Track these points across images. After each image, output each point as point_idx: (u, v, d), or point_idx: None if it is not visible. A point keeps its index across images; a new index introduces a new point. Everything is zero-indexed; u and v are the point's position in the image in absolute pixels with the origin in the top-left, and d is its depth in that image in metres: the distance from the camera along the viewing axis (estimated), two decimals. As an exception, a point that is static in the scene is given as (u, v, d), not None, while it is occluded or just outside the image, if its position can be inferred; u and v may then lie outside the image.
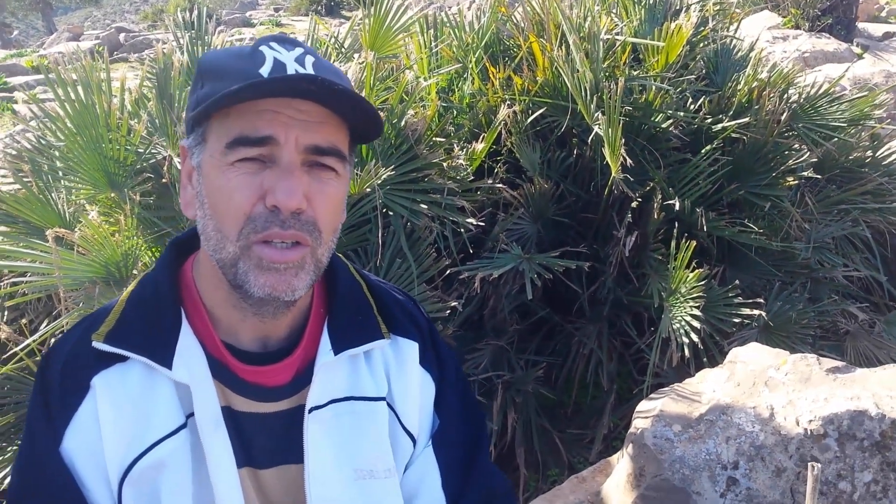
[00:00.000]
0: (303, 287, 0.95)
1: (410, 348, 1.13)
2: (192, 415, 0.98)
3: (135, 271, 2.49)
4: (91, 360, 0.98)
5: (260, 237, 0.91)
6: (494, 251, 2.63)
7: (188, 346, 0.99)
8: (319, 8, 26.85)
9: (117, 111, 2.54)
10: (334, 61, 3.18)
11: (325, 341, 1.05)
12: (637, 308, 2.89)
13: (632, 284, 2.86)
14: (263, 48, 0.93)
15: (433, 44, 2.99)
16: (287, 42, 0.95)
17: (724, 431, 1.81)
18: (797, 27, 8.30)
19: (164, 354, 0.97)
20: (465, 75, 3.08)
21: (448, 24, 3.19)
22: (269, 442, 1.02)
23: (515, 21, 3.25)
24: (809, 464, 1.29)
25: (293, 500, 1.02)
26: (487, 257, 2.58)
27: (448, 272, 2.44)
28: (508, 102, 2.79)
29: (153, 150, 2.63)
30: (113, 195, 2.51)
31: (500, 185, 2.59)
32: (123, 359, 0.98)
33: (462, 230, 2.45)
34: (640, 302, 2.82)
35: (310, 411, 1.01)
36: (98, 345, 0.98)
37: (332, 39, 3.32)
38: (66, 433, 0.96)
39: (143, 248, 2.56)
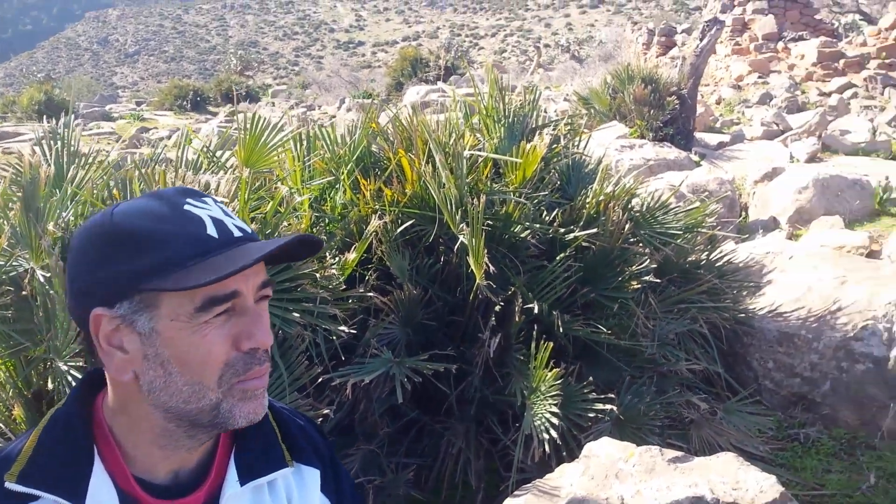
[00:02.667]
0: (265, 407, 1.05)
1: (312, 476, 1.19)
2: None
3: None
4: (4, 500, 0.99)
5: (242, 378, 0.99)
6: (366, 356, 2.73)
7: (100, 483, 1.01)
8: (185, 103, 26.67)
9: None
10: (205, 171, 3.27)
11: (232, 472, 1.09)
12: (502, 406, 3.04)
13: (497, 384, 3.02)
14: (188, 208, 0.98)
15: (306, 157, 3.14)
16: (195, 195, 1.01)
17: (579, 523, 1.95)
18: (643, 137, 9.09)
19: (75, 492, 0.99)
20: (336, 186, 3.24)
21: (320, 138, 3.36)
22: None
23: (385, 135, 3.47)
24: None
25: None
26: (359, 363, 2.68)
27: (321, 379, 2.52)
28: (379, 213, 2.96)
29: (14, 263, 2.59)
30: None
31: (370, 294, 2.72)
32: (35, 497, 0.99)
33: (334, 337, 2.55)
34: (504, 400, 2.97)
35: None
36: (10, 485, 0.98)
37: (205, 149, 3.41)
38: None
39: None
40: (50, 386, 2.68)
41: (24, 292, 2.64)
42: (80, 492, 1.00)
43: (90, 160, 3.14)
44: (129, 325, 0.98)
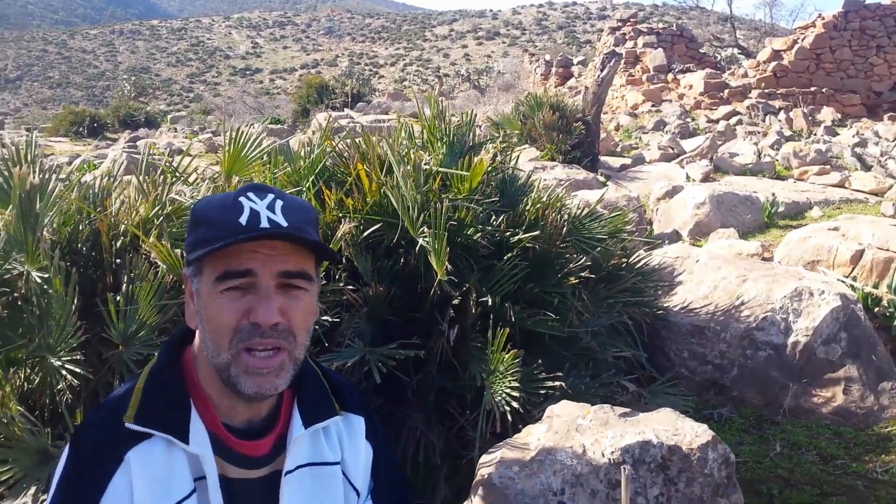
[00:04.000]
0: (284, 383, 1.25)
1: (359, 423, 1.46)
2: (197, 479, 1.24)
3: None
4: (123, 438, 1.22)
5: (244, 345, 1.21)
6: (342, 346, 3.01)
7: (196, 425, 1.26)
8: (81, 129, 25.92)
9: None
10: (176, 182, 3.49)
11: (297, 418, 1.34)
12: (460, 393, 3.36)
13: (455, 372, 3.34)
14: (242, 199, 1.24)
15: (274, 170, 3.41)
16: (260, 190, 1.27)
17: (551, 467, 2.31)
18: (553, 159, 9.69)
19: (182, 432, 1.24)
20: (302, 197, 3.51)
21: (281, 155, 3.63)
22: (253, 502, 1.29)
23: (339, 152, 3.78)
24: (622, 466, 1.80)
25: None
26: (336, 351, 2.96)
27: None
28: (345, 219, 3.25)
29: (9, 267, 2.75)
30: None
31: (349, 288, 3.01)
32: (148, 435, 1.22)
33: (317, 326, 2.82)
34: (462, 386, 3.30)
35: (284, 475, 1.30)
36: (130, 425, 1.22)
37: (168, 164, 3.62)
38: (102, 498, 1.18)
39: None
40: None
41: (15, 294, 2.80)
42: (185, 432, 1.24)
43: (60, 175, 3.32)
44: (192, 283, 1.27)
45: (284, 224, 1.23)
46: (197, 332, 1.29)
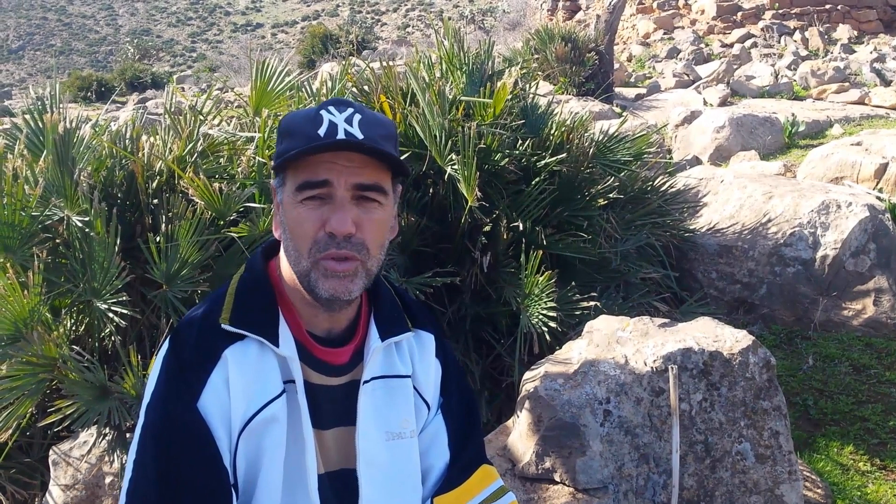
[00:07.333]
0: (357, 290, 1.27)
1: (429, 339, 1.50)
2: (286, 382, 1.30)
3: (39, 328, 2.62)
4: (220, 337, 1.28)
5: (322, 255, 1.24)
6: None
7: (284, 329, 1.31)
8: (90, 94, 25.89)
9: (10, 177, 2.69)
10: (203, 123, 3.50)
11: (374, 332, 1.39)
12: (495, 319, 3.41)
13: (488, 298, 3.38)
14: (323, 112, 1.26)
15: (299, 106, 3.41)
16: (341, 104, 1.29)
17: (595, 378, 2.35)
18: (566, 93, 9.58)
19: (272, 335, 1.29)
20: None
21: (303, 91, 3.63)
22: (332, 408, 1.34)
23: (360, 87, 3.76)
24: (670, 366, 1.83)
25: (343, 456, 1.35)
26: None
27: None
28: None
29: (49, 213, 2.79)
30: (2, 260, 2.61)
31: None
32: (242, 336, 1.28)
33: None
34: (496, 312, 3.34)
35: (362, 384, 1.35)
36: (226, 326, 1.28)
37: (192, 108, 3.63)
38: (203, 392, 1.24)
39: (43, 308, 2.70)
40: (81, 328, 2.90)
41: (57, 241, 2.84)
42: (275, 335, 1.30)
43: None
44: (277, 195, 1.32)
45: (360, 136, 1.25)
46: (282, 242, 1.33)
